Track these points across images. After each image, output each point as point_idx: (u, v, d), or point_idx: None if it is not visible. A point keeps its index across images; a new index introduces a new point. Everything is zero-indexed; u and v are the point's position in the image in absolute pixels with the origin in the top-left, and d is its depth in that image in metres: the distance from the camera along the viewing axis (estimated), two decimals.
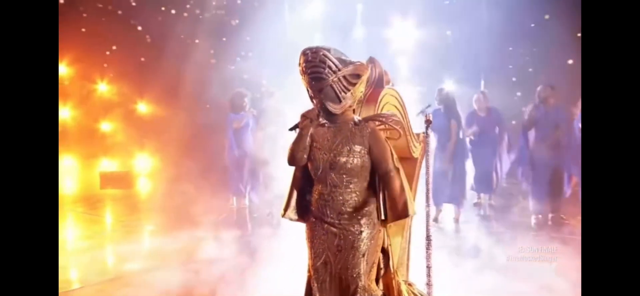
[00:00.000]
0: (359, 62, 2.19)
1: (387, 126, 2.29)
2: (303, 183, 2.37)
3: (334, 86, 2.10)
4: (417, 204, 2.75)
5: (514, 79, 9.82)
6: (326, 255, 2.25)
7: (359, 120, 2.27)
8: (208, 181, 6.95)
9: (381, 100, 2.50)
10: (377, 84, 2.56)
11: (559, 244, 4.75)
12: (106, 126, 10.53)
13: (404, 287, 2.51)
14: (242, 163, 6.60)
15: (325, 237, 2.25)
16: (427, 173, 2.79)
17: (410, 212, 2.27)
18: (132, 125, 10.09)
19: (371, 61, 2.57)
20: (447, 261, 4.33)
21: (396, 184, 2.21)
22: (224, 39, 9.89)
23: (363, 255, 2.22)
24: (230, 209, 6.74)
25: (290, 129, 2.23)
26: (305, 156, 2.24)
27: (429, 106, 2.98)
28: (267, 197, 5.91)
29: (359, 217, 2.22)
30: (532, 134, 5.87)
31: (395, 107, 2.61)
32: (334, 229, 2.23)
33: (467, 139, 6.25)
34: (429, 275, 2.78)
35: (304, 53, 2.11)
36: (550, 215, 5.84)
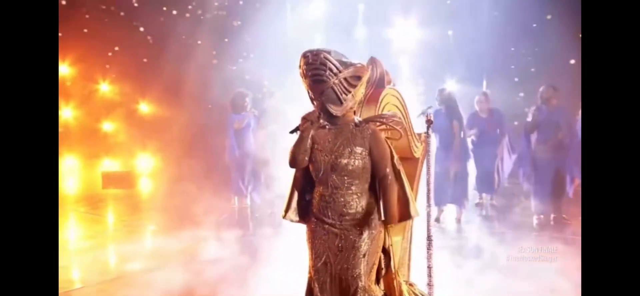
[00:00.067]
0: (359, 63, 2.18)
1: (388, 126, 2.29)
2: (304, 184, 2.37)
3: (335, 88, 2.10)
4: (418, 205, 2.75)
5: (516, 79, 9.80)
6: (327, 255, 2.25)
7: (360, 121, 2.27)
8: (209, 180, 6.96)
9: (382, 100, 2.49)
10: (378, 84, 2.56)
11: (561, 244, 4.75)
12: (108, 126, 10.56)
13: (405, 287, 2.50)
14: (243, 163, 6.61)
15: (326, 237, 2.25)
16: (428, 173, 2.79)
17: (413, 214, 2.28)
18: (134, 125, 10.11)
19: (372, 61, 2.57)
20: (449, 262, 4.33)
21: (394, 188, 2.22)
22: (226, 39, 9.90)
23: (363, 255, 2.22)
24: (232, 209, 6.75)
25: (291, 132, 2.23)
26: (306, 158, 2.24)
27: (430, 107, 2.98)
28: (268, 197, 5.92)
29: (360, 218, 2.22)
30: (534, 134, 5.86)
31: (397, 107, 2.61)
32: (335, 230, 2.23)
33: (469, 140, 6.24)
34: (430, 275, 2.78)
35: (305, 56, 2.10)
36: (552, 215, 5.83)
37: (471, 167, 6.35)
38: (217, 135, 7.19)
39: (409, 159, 2.72)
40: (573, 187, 5.84)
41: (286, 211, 2.38)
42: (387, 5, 9.58)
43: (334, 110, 2.15)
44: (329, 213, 2.23)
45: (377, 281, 2.40)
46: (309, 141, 2.23)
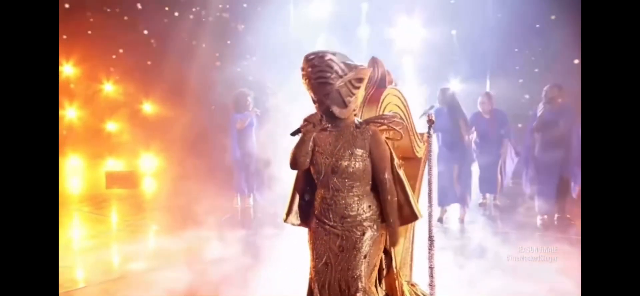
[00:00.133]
0: (361, 65, 2.19)
1: (389, 127, 2.29)
2: (305, 187, 2.37)
3: (341, 90, 2.10)
4: (420, 205, 2.74)
5: (521, 80, 9.75)
6: (327, 256, 2.24)
7: (361, 122, 2.26)
8: (212, 180, 6.97)
9: (383, 100, 2.49)
10: (380, 84, 2.55)
11: (566, 245, 4.72)
12: (112, 126, 10.59)
13: (406, 288, 2.50)
14: (245, 163, 6.61)
15: (327, 238, 2.24)
16: (429, 173, 2.78)
17: (418, 215, 2.29)
18: (138, 125, 10.14)
19: (373, 61, 2.57)
20: (452, 262, 4.32)
21: (393, 192, 2.23)
22: (229, 42, 9.92)
23: (364, 256, 2.21)
24: (234, 209, 6.75)
25: (292, 134, 2.22)
26: (307, 161, 2.24)
27: (432, 107, 2.97)
28: (271, 197, 5.92)
29: (362, 220, 2.22)
30: (538, 134, 5.84)
31: (398, 106, 2.60)
32: (337, 231, 2.23)
33: (472, 141, 6.22)
34: (431, 276, 2.77)
35: (309, 59, 2.10)
36: (556, 216, 5.80)
37: (474, 167, 6.33)
38: (220, 135, 7.19)
39: (411, 159, 2.72)
40: (577, 187, 5.81)
41: (287, 214, 2.38)
42: (390, 5, 9.56)
43: (339, 112, 2.15)
44: (330, 216, 2.23)
45: (379, 282, 2.39)
46: (311, 143, 2.23)
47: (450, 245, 4.92)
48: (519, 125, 7.96)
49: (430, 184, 2.84)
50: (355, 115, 2.28)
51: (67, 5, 9.36)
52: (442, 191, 5.80)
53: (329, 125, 2.22)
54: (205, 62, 9.45)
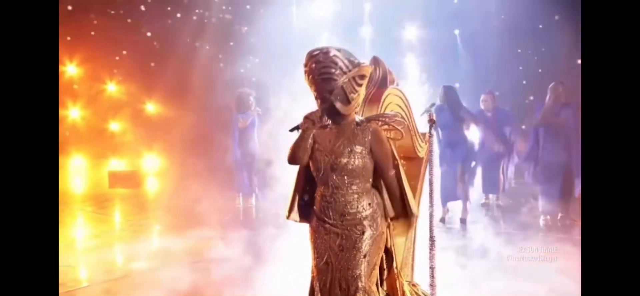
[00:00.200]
0: (363, 62, 2.19)
1: (390, 126, 2.28)
2: (305, 185, 2.37)
3: (345, 87, 2.10)
4: (421, 205, 2.74)
5: (524, 82, 9.72)
6: (328, 255, 2.24)
7: (361, 120, 2.26)
8: (215, 180, 6.98)
9: (385, 100, 2.49)
10: (381, 84, 2.55)
11: (569, 245, 4.70)
12: (115, 125, 10.63)
13: (407, 288, 2.49)
14: (248, 162, 6.62)
15: (328, 237, 2.24)
16: (430, 173, 2.78)
17: (414, 212, 2.29)
18: (141, 125, 10.17)
19: (375, 60, 2.56)
20: (454, 262, 4.31)
21: (396, 187, 2.24)
22: (231, 43, 9.95)
23: (364, 256, 2.21)
24: (237, 209, 6.76)
25: (291, 130, 2.21)
26: (306, 157, 2.24)
27: (433, 104, 2.96)
28: (273, 196, 5.92)
29: (362, 218, 2.22)
30: (542, 133, 5.82)
31: (399, 106, 2.60)
32: (337, 230, 2.23)
33: (476, 141, 6.21)
34: (432, 276, 2.76)
35: (313, 54, 2.09)
36: (559, 215, 5.78)
37: (476, 166, 6.32)
38: (222, 135, 7.21)
39: (413, 159, 2.71)
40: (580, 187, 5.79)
41: (289, 211, 2.38)
42: (393, 4, 9.55)
43: (343, 109, 2.14)
44: (330, 213, 2.23)
45: (381, 283, 2.39)
46: (310, 140, 2.23)
47: (452, 245, 4.91)
48: (523, 127, 7.94)
49: (431, 184, 2.84)
50: (356, 113, 2.28)
51: (69, 7, 9.40)
52: (445, 190, 5.79)
53: (330, 122, 2.22)
54: (208, 63, 9.48)
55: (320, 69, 2.07)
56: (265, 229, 5.50)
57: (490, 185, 6.60)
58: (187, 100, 9.19)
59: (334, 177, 2.21)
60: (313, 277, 2.32)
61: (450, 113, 5.67)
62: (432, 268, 2.77)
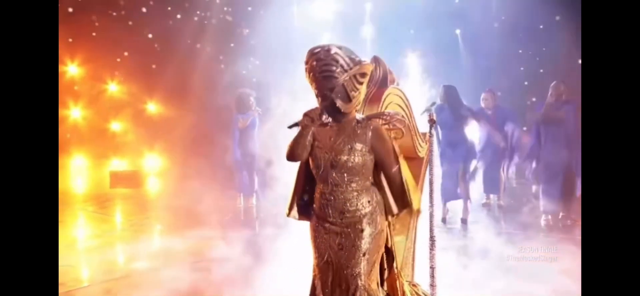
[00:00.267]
0: (364, 60, 2.18)
1: (391, 125, 2.28)
2: (305, 183, 2.36)
3: (346, 85, 2.10)
4: (421, 205, 2.73)
5: (526, 83, 9.71)
6: (328, 254, 2.24)
7: (362, 118, 2.26)
8: (216, 180, 6.99)
9: (385, 99, 2.49)
10: (381, 84, 2.55)
11: (571, 245, 4.69)
12: (116, 125, 10.64)
13: (407, 288, 2.49)
14: (248, 162, 6.62)
15: (327, 236, 2.24)
16: (430, 172, 2.77)
17: (416, 207, 2.29)
18: (142, 125, 10.18)
19: (375, 60, 2.56)
20: (455, 262, 4.31)
21: (400, 183, 2.23)
22: (232, 44, 9.96)
23: (364, 254, 2.20)
24: (237, 209, 6.76)
25: (290, 127, 2.20)
26: (305, 154, 2.23)
27: (433, 103, 2.96)
28: (273, 196, 5.92)
29: (361, 216, 2.21)
30: (543, 132, 5.82)
31: (400, 106, 2.60)
32: (336, 229, 2.23)
33: (476, 140, 6.19)
34: (432, 276, 2.76)
35: (314, 52, 2.09)
36: (561, 215, 5.77)
37: (478, 165, 6.30)
38: (223, 135, 7.22)
39: (413, 159, 2.71)
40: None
41: (290, 209, 2.39)
42: (394, 4, 9.54)
43: (343, 107, 2.14)
44: (330, 211, 2.22)
45: (381, 283, 2.38)
46: (310, 138, 2.22)
47: (454, 245, 4.91)
48: (525, 128, 7.93)
49: (431, 183, 2.83)
50: (357, 111, 2.28)
51: (70, 9, 9.43)
52: (445, 189, 5.78)
53: (330, 120, 2.22)
54: (209, 64, 9.50)
55: (321, 67, 2.07)
56: (265, 229, 5.51)
57: (492, 185, 6.59)
58: (188, 100, 9.21)
59: (334, 174, 2.20)
60: (314, 276, 2.32)
61: (450, 112, 5.66)
62: (432, 268, 2.76)
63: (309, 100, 2.27)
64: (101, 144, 10.27)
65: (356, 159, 2.19)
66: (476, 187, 6.35)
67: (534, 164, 6.01)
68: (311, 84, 2.16)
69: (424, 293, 2.64)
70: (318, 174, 2.25)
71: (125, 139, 10.37)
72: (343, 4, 9.59)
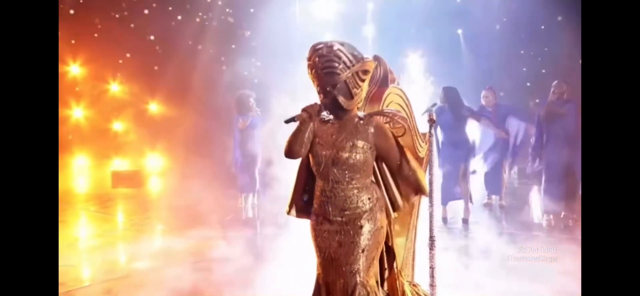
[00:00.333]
0: (367, 57, 2.18)
1: (392, 123, 2.28)
2: (305, 182, 2.36)
3: (348, 81, 2.09)
4: (422, 205, 2.73)
5: (528, 84, 9.70)
6: (328, 252, 2.24)
7: (364, 115, 2.26)
8: (217, 180, 7.00)
9: (386, 99, 2.49)
10: (382, 83, 2.55)
11: (573, 245, 4.68)
12: (118, 125, 10.66)
13: (408, 288, 2.49)
14: (248, 163, 6.62)
15: (327, 234, 2.24)
16: (430, 172, 2.77)
17: (426, 189, 2.33)
18: (144, 125, 10.20)
19: (376, 59, 2.56)
20: (457, 262, 4.30)
21: (409, 170, 2.26)
22: (233, 46, 9.98)
23: (362, 250, 2.19)
24: (238, 209, 6.77)
25: (286, 121, 2.18)
26: (303, 150, 2.22)
27: (434, 104, 2.95)
28: (274, 196, 5.93)
29: (361, 213, 2.21)
30: (545, 130, 5.81)
31: (400, 105, 2.60)
32: (336, 226, 2.22)
33: (477, 141, 6.19)
34: (432, 276, 2.76)
35: (317, 48, 2.09)
36: (562, 214, 5.76)
37: (479, 165, 6.30)
38: (224, 136, 7.24)
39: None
40: None
41: (290, 207, 2.39)
42: (396, 4, 9.55)
43: (345, 104, 2.14)
44: (330, 209, 2.22)
45: (382, 283, 2.38)
46: (310, 134, 2.22)
47: (455, 245, 4.90)
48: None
49: (431, 183, 2.83)
50: (358, 108, 2.28)
51: (72, 11, 9.47)
52: (446, 189, 5.77)
53: (332, 117, 2.21)
54: (210, 64, 9.51)
55: (323, 63, 2.07)
56: (266, 229, 5.51)
57: (493, 185, 6.59)
58: (190, 100, 9.23)
59: (335, 171, 2.19)
60: (318, 274, 2.31)
61: (451, 114, 5.66)
62: (432, 268, 2.76)
63: (310, 100, 2.27)
64: (103, 144, 10.30)
65: (358, 157, 2.18)
66: (478, 187, 6.34)
67: (536, 163, 5.99)
68: (313, 81, 2.16)
69: (424, 293, 2.63)
70: (318, 172, 2.25)
71: (127, 139, 10.39)
72: (344, 3, 9.60)
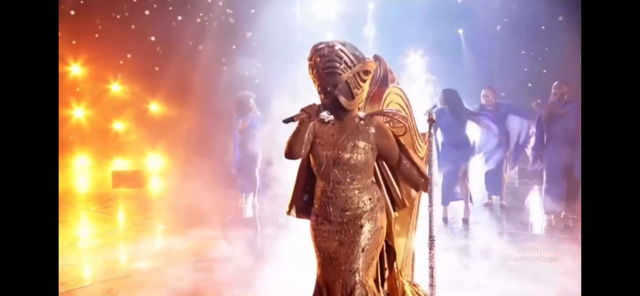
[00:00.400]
0: (368, 57, 2.18)
1: (393, 123, 2.29)
2: (306, 182, 2.36)
3: (349, 82, 2.09)
4: (422, 205, 2.74)
5: (529, 84, 9.68)
6: (328, 252, 2.24)
7: (364, 116, 2.26)
8: (217, 180, 7.00)
9: (386, 99, 2.50)
10: (382, 83, 2.56)
11: (574, 245, 4.67)
12: (119, 125, 10.67)
13: (408, 288, 2.49)
14: (248, 163, 6.62)
15: (327, 234, 2.24)
16: (430, 172, 2.77)
17: (428, 178, 2.37)
18: (145, 125, 10.21)
19: (376, 59, 2.57)
20: (457, 262, 4.30)
21: (411, 165, 2.27)
22: (234, 46, 9.98)
23: (362, 250, 2.19)
24: (239, 209, 6.77)
25: (285, 121, 2.17)
26: (303, 151, 2.22)
27: (435, 106, 2.96)
28: (274, 196, 5.93)
29: (362, 213, 2.21)
30: (546, 132, 5.80)
31: (400, 105, 2.60)
32: (336, 227, 2.22)
33: (477, 141, 6.18)
34: (432, 276, 2.76)
35: (318, 48, 2.09)
36: (563, 214, 5.76)
37: (479, 166, 6.30)
38: (225, 136, 7.24)
39: None
40: None
41: (290, 207, 2.40)
42: (396, 3, 9.54)
43: (346, 104, 2.13)
44: (330, 209, 2.21)
45: (382, 283, 2.38)
46: (310, 135, 2.22)
47: (455, 245, 4.90)
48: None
49: (430, 183, 2.83)
50: (359, 108, 2.28)
51: (72, 12, 9.48)
52: (447, 190, 5.77)
53: (332, 118, 2.21)
54: (211, 65, 9.52)
55: (324, 63, 2.07)
56: (266, 229, 5.51)
57: (494, 185, 6.58)
58: (190, 101, 9.23)
59: (336, 171, 2.19)
60: (318, 275, 2.32)
61: (451, 116, 5.66)
62: (431, 268, 2.76)
63: (310, 100, 2.27)
64: (104, 144, 10.30)
65: (359, 157, 2.18)
66: (478, 187, 6.34)
67: (537, 164, 5.99)
68: (314, 81, 2.16)
69: (424, 293, 2.63)
70: (319, 172, 2.25)
71: (127, 139, 10.39)
72: (345, 3, 9.60)
